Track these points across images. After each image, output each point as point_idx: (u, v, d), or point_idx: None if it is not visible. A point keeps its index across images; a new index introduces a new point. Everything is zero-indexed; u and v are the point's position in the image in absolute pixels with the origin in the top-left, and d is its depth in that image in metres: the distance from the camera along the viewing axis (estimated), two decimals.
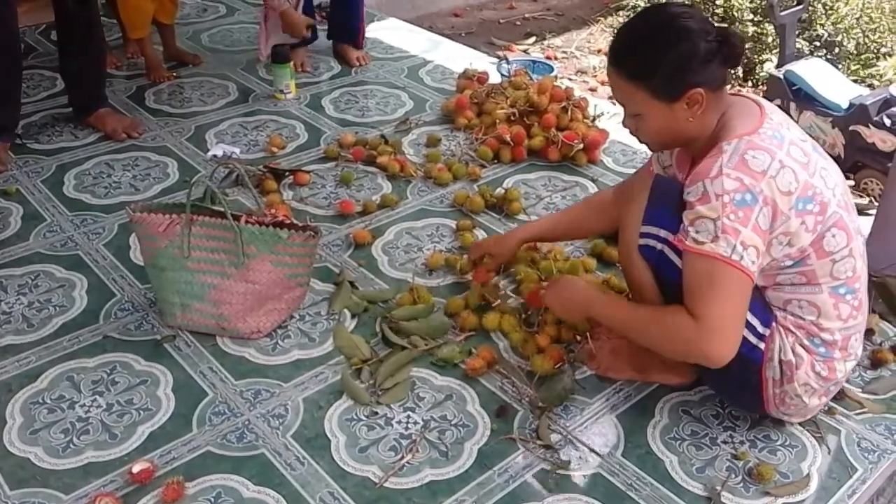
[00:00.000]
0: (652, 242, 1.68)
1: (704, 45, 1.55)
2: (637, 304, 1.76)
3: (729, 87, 1.65)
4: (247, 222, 1.97)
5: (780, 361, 1.64)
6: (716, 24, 1.62)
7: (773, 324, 1.64)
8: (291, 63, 3.21)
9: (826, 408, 1.85)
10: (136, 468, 1.65)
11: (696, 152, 1.67)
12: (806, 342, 1.64)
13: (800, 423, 1.82)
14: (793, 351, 1.63)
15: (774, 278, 1.62)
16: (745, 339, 1.60)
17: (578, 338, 1.99)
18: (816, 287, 1.60)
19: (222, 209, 1.93)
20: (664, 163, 1.88)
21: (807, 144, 1.61)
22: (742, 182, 1.50)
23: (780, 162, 1.52)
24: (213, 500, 1.63)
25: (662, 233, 1.65)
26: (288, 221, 2.05)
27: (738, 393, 1.77)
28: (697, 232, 1.53)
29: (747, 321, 1.60)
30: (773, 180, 1.51)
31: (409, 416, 1.82)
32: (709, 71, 1.57)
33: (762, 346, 1.64)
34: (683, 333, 1.55)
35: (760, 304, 1.64)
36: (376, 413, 1.83)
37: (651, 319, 1.65)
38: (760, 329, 1.63)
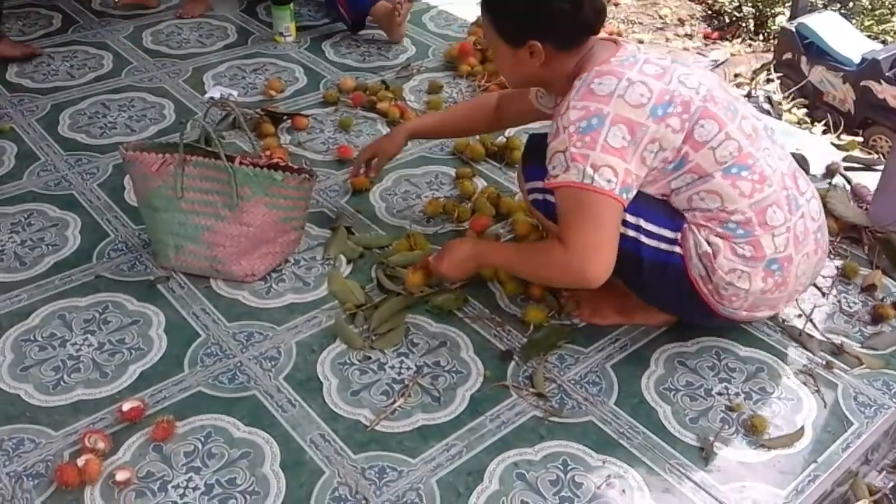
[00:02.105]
0: (537, 195, 1.78)
1: (556, 5, 1.59)
2: (519, 244, 1.84)
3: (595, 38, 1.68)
4: (241, 163, 1.93)
5: (699, 257, 1.65)
6: None
7: (685, 225, 1.67)
8: (292, 4, 3.13)
9: (823, 362, 1.84)
10: (126, 406, 1.64)
11: (559, 94, 1.73)
12: (720, 230, 1.65)
13: (795, 377, 1.80)
14: (707, 242, 1.65)
15: (669, 185, 1.65)
16: (658, 250, 1.67)
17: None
18: (708, 176, 1.62)
19: (217, 150, 1.90)
20: (545, 104, 1.95)
21: (665, 60, 1.66)
22: (587, 109, 1.56)
23: (628, 80, 1.57)
24: (203, 439, 1.62)
25: (540, 184, 1.71)
26: (283, 164, 2.01)
27: (681, 303, 1.77)
28: (553, 167, 1.60)
29: (654, 234, 1.66)
30: (622, 98, 1.56)
31: (402, 362, 1.81)
32: (556, 30, 1.62)
33: (677, 249, 1.67)
34: (557, 261, 1.63)
35: (665, 213, 1.67)
36: (369, 358, 1.82)
37: (530, 254, 1.75)
38: (670, 235, 1.66)
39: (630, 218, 1.64)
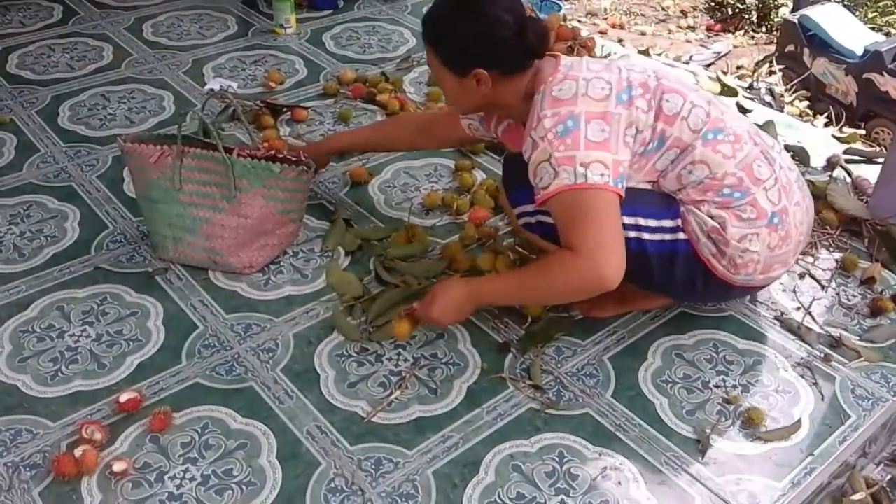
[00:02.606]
0: (528, 219, 1.75)
1: (499, 33, 1.59)
2: (520, 268, 1.78)
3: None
4: (239, 155, 1.93)
5: (707, 234, 1.65)
6: (524, 14, 1.63)
7: (682, 209, 1.66)
8: None
9: (822, 355, 1.84)
10: (123, 397, 1.65)
11: (518, 114, 1.73)
12: (718, 200, 1.64)
13: (793, 370, 1.80)
14: (710, 216, 1.64)
15: (655, 168, 1.65)
16: (662, 241, 1.65)
17: None
18: (689, 147, 1.62)
19: (215, 142, 1.90)
20: (474, 129, 1.99)
21: (604, 61, 1.71)
22: (559, 114, 1.56)
23: (584, 80, 1.60)
24: (200, 430, 1.62)
25: (529, 207, 1.70)
26: (281, 155, 2.01)
27: (697, 287, 1.74)
28: (541, 179, 1.58)
29: (653, 227, 1.65)
30: (586, 96, 1.58)
31: (399, 354, 1.81)
32: (501, 58, 1.62)
33: (681, 235, 1.66)
34: (571, 269, 1.56)
35: (659, 203, 1.66)
36: (367, 350, 1.82)
37: (537, 273, 1.65)
38: (670, 223, 1.66)
39: (627, 219, 1.61)
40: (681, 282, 1.73)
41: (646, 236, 1.65)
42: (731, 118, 1.69)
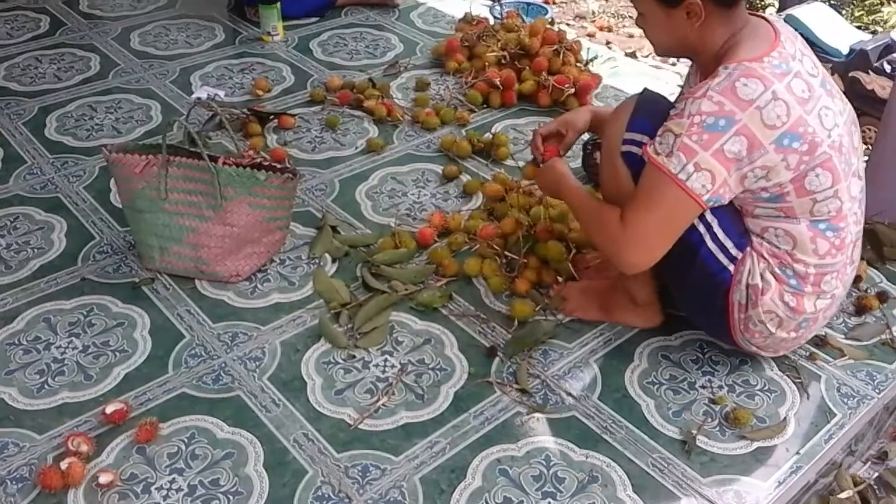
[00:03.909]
0: (634, 149, 1.65)
1: None
2: (591, 196, 1.76)
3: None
4: (224, 164, 1.94)
5: (748, 286, 1.63)
6: None
7: (748, 248, 1.63)
8: (279, 4, 3.13)
9: (807, 353, 1.84)
10: (109, 409, 1.65)
11: (703, 70, 1.64)
12: (777, 270, 1.62)
13: (780, 369, 1.80)
14: (761, 276, 1.62)
15: (753, 208, 1.60)
16: (716, 258, 1.62)
17: (560, 278, 1.97)
18: (795, 220, 1.58)
19: (200, 150, 1.90)
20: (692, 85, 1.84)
21: (815, 80, 1.55)
22: (722, 107, 1.48)
23: (773, 93, 1.47)
24: (186, 440, 1.62)
25: (646, 139, 1.62)
26: (266, 163, 2.01)
27: (705, 315, 1.76)
28: (660, 143, 1.54)
29: (720, 242, 1.61)
30: (760, 111, 1.47)
31: (386, 360, 1.81)
32: None
33: (732, 268, 1.63)
34: (610, 231, 1.61)
35: (738, 229, 1.63)
36: (354, 356, 1.82)
37: (592, 210, 1.70)
38: (733, 251, 1.62)
39: (708, 215, 1.59)
40: (700, 301, 1.72)
41: (708, 240, 1.61)
42: (855, 222, 1.63)
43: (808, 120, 1.50)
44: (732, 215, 1.61)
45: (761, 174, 1.52)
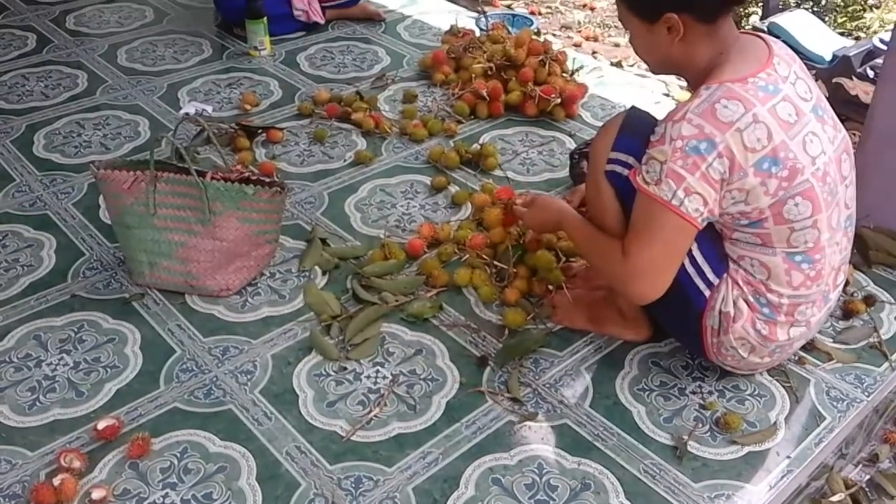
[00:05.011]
0: (619, 169, 1.65)
1: None
2: (597, 228, 1.73)
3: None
4: (212, 178, 1.94)
5: (720, 312, 1.63)
6: None
7: (725, 274, 1.63)
8: (266, 19, 3.14)
9: (796, 358, 1.85)
10: (101, 424, 1.64)
11: (694, 87, 1.61)
12: (751, 299, 1.62)
13: (769, 374, 1.82)
14: (734, 304, 1.62)
15: (731, 233, 1.60)
16: (693, 283, 1.62)
17: (550, 287, 1.98)
18: (770, 250, 1.57)
19: (188, 166, 1.91)
20: None
21: (807, 104, 1.54)
22: (702, 130, 1.46)
23: (753, 116, 1.46)
24: (179, 455, 1.62)
25: (631, 160, 1.62)
26: (254, 177, 2.02)
27: (682, 334, 1.79)
28: (647, 172, 1.53)
29: (699, 266, 1.61)
30: (740, 133, 1.46)
31: (377, 371, 1.82)
32: None
33: (708, 293, 1.63)
34: (614, 267, 1.61)
35: (717, 254, 1.63)
36: (345, 368, 1.82)
37: (597, 244, 1.70)
38: (711, 277, 1.62)
39: None
40: (675, 319, 1.74)
41: (686, 262, 1.60)
42: (833, 253, 1.61)
43: (790, 145, 1.49)
44: (713, 240, 1.62)
45: (740, 197, 1.51)
